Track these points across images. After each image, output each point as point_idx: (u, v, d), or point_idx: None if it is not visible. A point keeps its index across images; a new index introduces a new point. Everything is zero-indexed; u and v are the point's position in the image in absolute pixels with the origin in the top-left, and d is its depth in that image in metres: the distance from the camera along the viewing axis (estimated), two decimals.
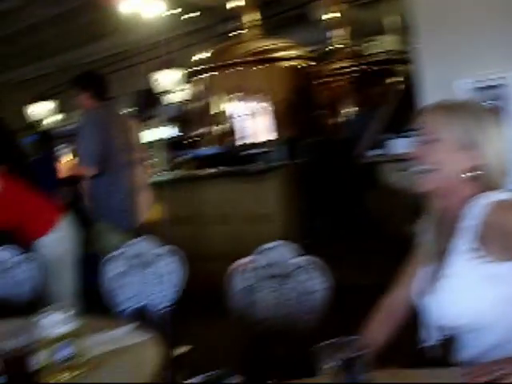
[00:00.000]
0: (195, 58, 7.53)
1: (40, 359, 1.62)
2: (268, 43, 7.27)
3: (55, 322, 1.63)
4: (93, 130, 4.18)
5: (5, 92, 11.14)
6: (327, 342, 1.27)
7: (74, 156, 4.48)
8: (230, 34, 8.61)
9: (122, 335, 1.96)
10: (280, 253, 2.30)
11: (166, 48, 10.23)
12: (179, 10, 8.77)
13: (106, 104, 4.42)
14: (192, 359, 2.03)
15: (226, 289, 2.44)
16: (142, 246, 2.84)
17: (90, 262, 3.46)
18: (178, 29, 9.98)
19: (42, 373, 1.62)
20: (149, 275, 2.81)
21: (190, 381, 1.38)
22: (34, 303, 3.07)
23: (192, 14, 9.03)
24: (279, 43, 7.37)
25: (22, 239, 3.46)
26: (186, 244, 2.86)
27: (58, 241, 3.53)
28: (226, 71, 7.12)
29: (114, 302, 2.84)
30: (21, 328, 1.63)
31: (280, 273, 2.29)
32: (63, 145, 5.16)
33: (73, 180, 4.67)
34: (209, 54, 7.39)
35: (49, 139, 6.53)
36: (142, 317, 2.74)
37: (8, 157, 4.11)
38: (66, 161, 5.07)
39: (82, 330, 1.69)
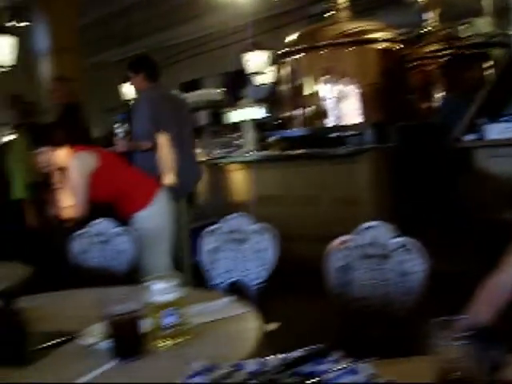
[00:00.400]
0: (285, 39, 7.49)
1: (146, 325, 1.67)
2: (359, 25, 7.15)
3: (161, 290, 1.68)
4: (145, 108, 4.52)
5: (101, 71, 11.47)
6: (438, 319, 1.24)
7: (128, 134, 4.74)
8: (321, 16, 8.54)
9: (222, 307, 1.99)
10: (379, 232, 2.28)
11: (256, 29, 10.26)
12: None
13: (157, 85, 4.71)
14: (282, 337, 2.04)
15: (315, 268, 2.44)
16: (238, 222, 2.87)
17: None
18: (268, 10, 9.99)
19: (147, 338, 1.67)
20: (242, 251, 2.85)
21: (294, 352, 1.39)
22: (131, 274, 3.18)
23: None
24: (371, 25, 7.23)
25: (121, 212, 3.59)
26: (272, 224, 2.88)
27: (154, 215, 3.63)
28: (317, 53, 7.05)
29: (208, 275, 2.90)
30: (127, 294, 1.68)
31: (379, 253, 2.26)
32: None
33: None
34: (299, 36, 7.33)
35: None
36: (233, 292, 2.79)
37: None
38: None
39: (185, 299, 1.73)
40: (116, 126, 5.06)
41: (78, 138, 3.84)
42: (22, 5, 7.81)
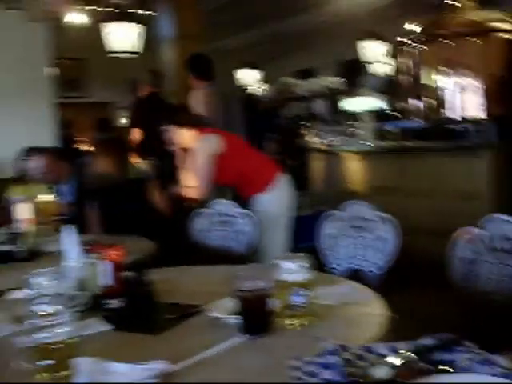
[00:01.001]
0: (404, 28, 7.33)
1: (274, 303, 1.71)
2: (484, 14, 6.89)
3: (290, 270, 1.70)
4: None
5: (219, 58, 11.70)
6: None
7: None
8: (442, 6, 8.29)
9: (347, 291, 2.01)
10: (508, 226, 2.20)
11: (375, 18, 10.11)
12: None
13: (210, 84, 5.10)
14: (404, 326, 2.02)
15: (430, 261, 2.39)
16: (358, 209, 2.86)
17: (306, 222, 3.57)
18: None
19: (275, 316, 1.71)
20: (362, 239, 2.83)
21: (422, 340, 1.38)
22: (249, 255, 3.25)
23: None
24: (496, 15, 6.94)
25: (242, 194, 3.67)
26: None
27: (275, 199, 3.68)
28: (438, 43, 6.86)
29: (326, 260, 2.91)
30: (254, 272, 1.72)
31: (508, 247, 2.19)
32: None
33: None
34: (419, 25, 7.16)
35: (254, 102, 6.95)
36: (351, 278, 2.79)
37: None
38: None
39: (313, 280, 1.75)
40: None
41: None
42: None
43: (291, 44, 12.12)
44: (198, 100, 4.92)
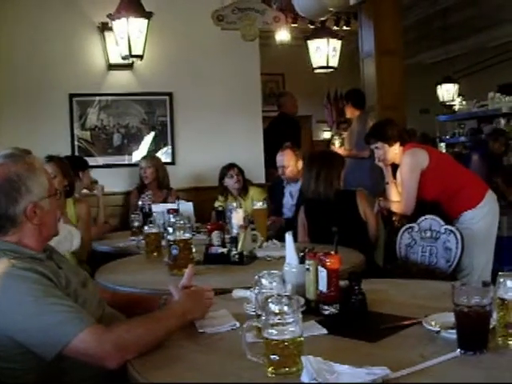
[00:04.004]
0: None
1: (495, 320, 1.70)
2: None
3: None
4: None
5: (416, 73, 11.55)
6: None
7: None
8: None
9: None
10: None
11: None
12: None
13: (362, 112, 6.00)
14: None
15: None
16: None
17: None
18: None
19: (495, 333, 1.70)
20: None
21: None
22: (454, 271, 3.21)
23: None
24: None
25: (448, 211, 3.63)
26: None
27: (481, 216, 3.61)
28: None
29: None
30: (476, 288, 1.72)
31: None
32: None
33: None
34: None
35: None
36: None
37: None
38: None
39: None
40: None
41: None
42: (349, 10, 8.23)
43: (494, 58, 11.65)
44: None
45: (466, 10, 9.97)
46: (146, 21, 5.07)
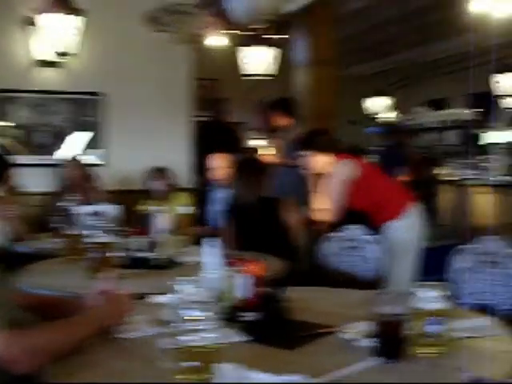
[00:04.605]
0: None
1: (411, 329, 1.72)
2: None
3: (429, 298, 1.72)
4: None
5: (348, 85, 11.75)
6: None
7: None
8: None
9: (479, 325, 1.98)
10: None
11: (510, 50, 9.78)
12: None
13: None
14: None
15: None
16: (490, 244, 2.81)
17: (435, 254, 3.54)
18: None
19: (410, 341, 1.72)
20: (494, 275, 2.78)
21: None
22: (376, 281, 3.25)
23: None
24: None
25: (373, 220, 3.68)
26: None
27: (406, 227, 3.67)
28: None
29: (456, 294, 2.87)
30: (394, 298, 1.74)
31: None
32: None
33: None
34: None
35: (395, 132, 7.03)
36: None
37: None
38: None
39: (448, 311, 1.75)
40: None
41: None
42: (284, 19, 8.29)
43: (424, 73, 11.98)
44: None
45: (399, 25, 10.22)
46: (78, 18, 4.96)
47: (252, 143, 10.55)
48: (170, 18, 5.09)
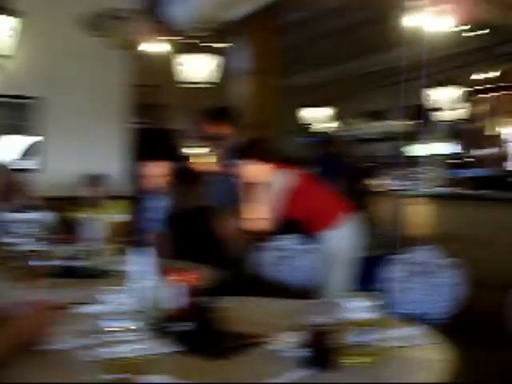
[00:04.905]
0: (476, 76, 7.30)
1: (341, 338, 1.73)
2: None
3: (358, 308, 1.73)
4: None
5: (287, 95, 11.86)
6: None
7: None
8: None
9: (410, 335, 2.01)
10: None
11: (444, 65, 10.07)
12: (467, 27, 8.58)
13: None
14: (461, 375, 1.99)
15: (492, 316, 2.36)
16: (424, 254, 2.86)
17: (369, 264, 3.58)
18: (457, 47, 9.77)
19: (340, 351, 1.73)
20: (427, 284, 2.82)
21: None
22: (311, 290, 3.27)
23: (478, 32, 8.78)
24: None
25: (309, 230, 3.70)
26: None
27: (341, 237, 3.70)
28: (509, 94, 6.81)
29: (390, 304, 2.90)
30: (324, 308, 1.75)
31: None
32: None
33: None
34: (494, 74, 7.11)
35: (331, 143, 7.13)
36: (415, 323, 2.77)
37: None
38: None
39: (377, 321, 1.77)
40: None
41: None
42: (226, 27, 8.30)
43: (361, 85, 12.19)
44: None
45: (339, 37, 10.38)
46: (14, 19, 4.82)
47: (191, 151, 10.53)
48: (108, 23, 5.00)
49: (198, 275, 2.05)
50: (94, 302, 2.02)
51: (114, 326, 1.51)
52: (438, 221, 6.13)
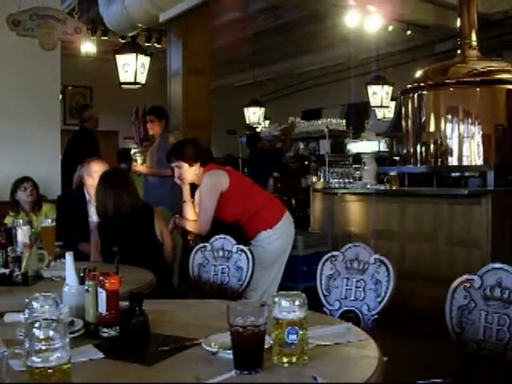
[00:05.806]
0: (410, 74, 7.43)
1: (268, 339, 1.71)
2: (489, 64, 6.97)
3: (287, 308, 1.71)
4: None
5: (225, 95, 11.85)
6: None
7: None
8: (447, 54, 8.42)
9: (340, 332, 2.00)
10: (505, 276, 2.21)
11: (381, 63, 10.26)
12: (400, 26, 8.76)
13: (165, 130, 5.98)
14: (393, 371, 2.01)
15: (427, 308, 2.40)
16: (357, 251, 2.87)
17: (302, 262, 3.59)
18: (393, 45, 9.98)
19: (269, 352, 1.71)
20: (360, 282, 2.83)
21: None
22: (246, 291, 3.26)
23: (410, 32, 8.96)
24: (501, 65, 7.03)
25: (245, 231, 3.69)
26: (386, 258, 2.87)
27: (276, 236, 3.71)
28: (443, 90, 6.93)
29: (325, 301, 2.91)
30: (252, 308, 1.72)
31: (505, 297, 2.19)
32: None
33: None
34: (426, 72, 7.24)
35: (255, 140, 7.17)
36: (347, 320, 2.78)
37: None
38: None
39: (308, 319, 1.75)
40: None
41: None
42: (160, 27, 8.24)
43: (299, 84, 12.30)
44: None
45: (274, 37, 10.44)
46: None
47: (131, 152, 10.42)
48: (36, 23, 4.86)
49: (120, 279, 2.00)
50: (20, 309, 1.95)
51: (34, 334, 1.45)
52: (376, 218, 6.21)
